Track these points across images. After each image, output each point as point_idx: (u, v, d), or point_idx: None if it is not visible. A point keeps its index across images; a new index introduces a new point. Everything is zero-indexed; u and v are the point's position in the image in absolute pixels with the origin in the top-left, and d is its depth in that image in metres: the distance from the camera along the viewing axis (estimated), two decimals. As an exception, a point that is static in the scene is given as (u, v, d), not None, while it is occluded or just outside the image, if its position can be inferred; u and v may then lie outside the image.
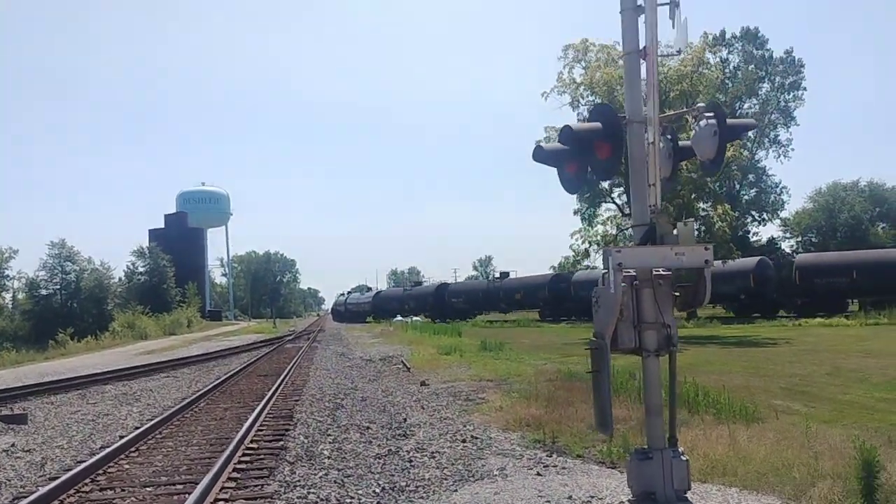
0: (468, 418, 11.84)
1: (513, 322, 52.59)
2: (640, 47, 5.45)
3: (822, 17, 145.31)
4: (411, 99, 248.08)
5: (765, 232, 63.23)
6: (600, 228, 36.44)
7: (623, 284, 5.30)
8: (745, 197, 60.24)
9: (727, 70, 58.31)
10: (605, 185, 36.25)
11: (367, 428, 11.26)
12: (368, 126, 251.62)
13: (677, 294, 5.57)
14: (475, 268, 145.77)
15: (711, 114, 5.34)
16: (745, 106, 58.52)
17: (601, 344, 5.39)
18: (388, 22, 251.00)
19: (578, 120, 29.22)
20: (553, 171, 5.79)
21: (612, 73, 29.90)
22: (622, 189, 34.87)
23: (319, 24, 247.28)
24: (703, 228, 37.91)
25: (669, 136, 5.87)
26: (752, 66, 58.30)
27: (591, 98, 31.99)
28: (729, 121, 5.47)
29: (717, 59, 58.72)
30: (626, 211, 34.80)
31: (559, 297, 53.77)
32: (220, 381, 18.74)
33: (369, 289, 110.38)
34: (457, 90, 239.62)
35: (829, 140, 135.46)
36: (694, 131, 5.45)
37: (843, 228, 58.10)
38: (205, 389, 16.69)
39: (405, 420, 11.86)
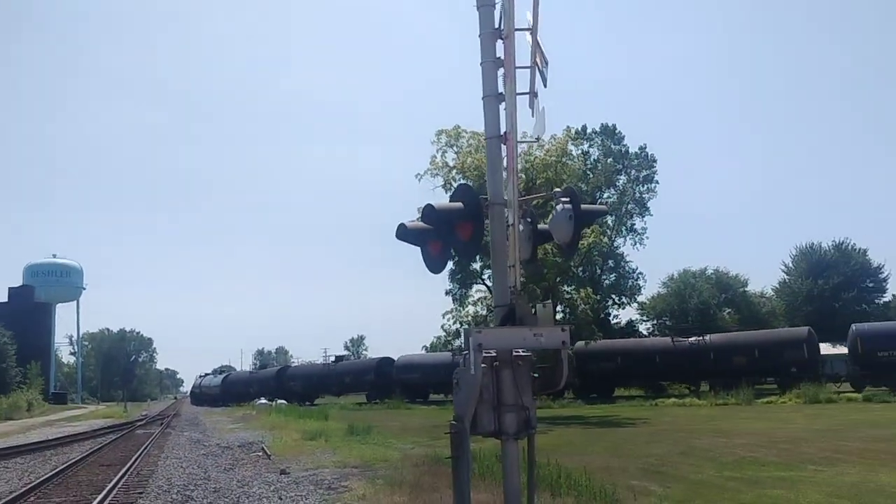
0: (328, 508, 11.29)
1: (385, 404, 51.98)
2: (502, 133, 5.60)
3: (672, 117, 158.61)
4: (286, 167, 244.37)
5: (624, 315, 66.42)
6: (471, 309, 36.99)
7: (483, 366, 5.24)
8: (606, 281, 63.20)
9: (588, 162, 62.08)
10: (477, 266, 37.18)
11: (218, 522, 10.44)
12: (238, 199, 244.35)
13: (536, 375, 5.57)
14: (346, 347, 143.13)
15: (567, 199, 5.52)
16: (605, 195, 62.11)
17: (461, 427, 5.26)
18: (257, 87, 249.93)
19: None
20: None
21: (482, 158, 30.95)
22: (492, 271, 35.76)
23: (185, 93, 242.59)
24: (567, 310, 39.33)
25: (529, 220, 5.99)
26: (611, 159, 62.31)
27: (462, 181, 32.93)
28: (583, 206, 5.67)
29: (580, 151, 62.66)
30: (495, 292, 35.65)
31: (384, 380, 56.02)
32: (56, 471, 16.97)
33: (222, 371, 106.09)
34: (334, 165, 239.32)
35: (679, 230, 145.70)
36: (551, 215, 5.59)
37: (693, 313, 61.96)
38: (37, 481, 15.05)
39: (260, 512, 11.12)
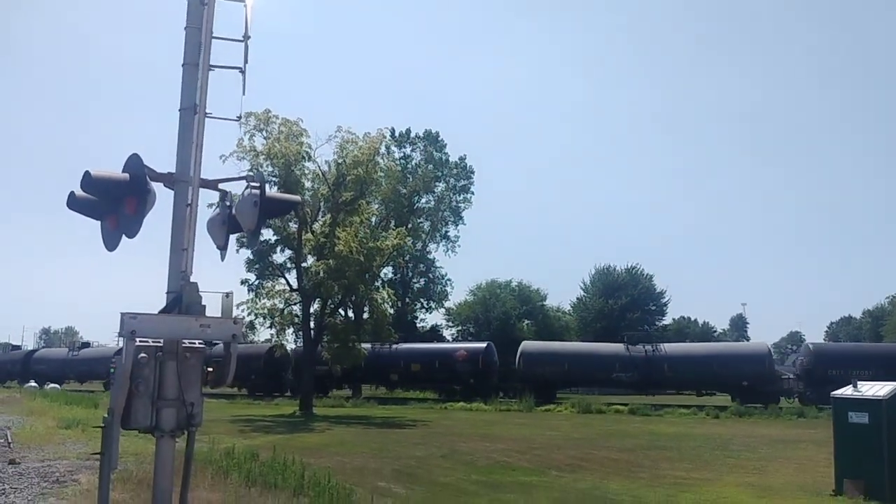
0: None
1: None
2: (195, 104, 5.19)
3: (488, 132, 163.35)
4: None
5: (430, 319, 67.77)
6: (268, 302, 35.82)
7: (144, 356, 4.81)
8: (417, 285, 64.25)
9: (410, 165, 62.80)
10: (283, 259, 36.18)
11: None
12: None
13: (211, 370, 5.21)
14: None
15: (257, 185, 5.22)
16: (423, 200, 63.17)
17: (109, 421, 4.78)
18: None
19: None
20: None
21: (290, 147, 30.23)
22: (294, 264, 34.98)
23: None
24: (369, 309, 39.31)
25: (228, 204, 5.63)
26: (431, 165, 63.34)
27: (269, 169, 31.83)
28: (270, 194, 5.39)
29: (402, 154, 63.25)
30: (295, 286, 34.82)
31: (25, 369, 61.04)
32: None
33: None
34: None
35: (490, 241, 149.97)
36: (237, 200, 5.27)
37: (495, 322, 64.28)
38: None
39: (-47, 507, 9.87)
